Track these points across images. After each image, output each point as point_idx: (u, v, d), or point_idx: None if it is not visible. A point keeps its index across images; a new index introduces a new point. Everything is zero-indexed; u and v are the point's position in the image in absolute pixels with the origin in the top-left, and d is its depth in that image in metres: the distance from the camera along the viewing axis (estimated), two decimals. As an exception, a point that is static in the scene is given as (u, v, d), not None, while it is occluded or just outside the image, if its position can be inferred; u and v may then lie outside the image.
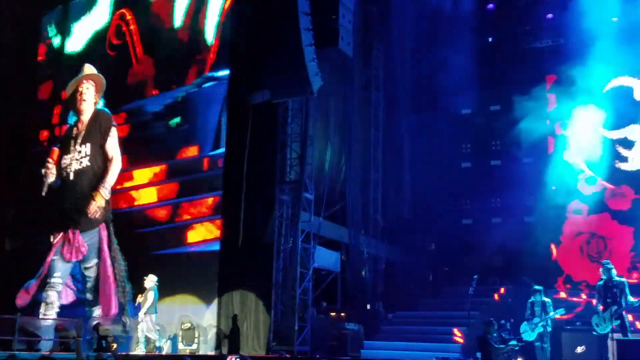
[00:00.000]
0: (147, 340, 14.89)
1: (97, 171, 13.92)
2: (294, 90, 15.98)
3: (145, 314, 14.67)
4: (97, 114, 15.40)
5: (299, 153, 16.73)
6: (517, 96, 19.58)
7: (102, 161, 13.62)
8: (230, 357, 10.97)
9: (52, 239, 11.71)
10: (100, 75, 14.86)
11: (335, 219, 18.70)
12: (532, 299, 13.38)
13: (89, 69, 14.74)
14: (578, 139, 20.03)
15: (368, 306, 19.23)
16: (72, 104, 14.79)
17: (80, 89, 14.52)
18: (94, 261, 13.85)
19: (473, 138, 22.07)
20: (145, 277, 14.96)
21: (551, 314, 13.00)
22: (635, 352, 10.32)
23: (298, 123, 16.96)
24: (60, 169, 14.03)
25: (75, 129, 14.88)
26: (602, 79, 19.71)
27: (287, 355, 14.30)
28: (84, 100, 14.54)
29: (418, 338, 16.13)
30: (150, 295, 14.75)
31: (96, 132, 14.63)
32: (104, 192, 12.32)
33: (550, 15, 20.44)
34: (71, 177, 13.94)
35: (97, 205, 12.02)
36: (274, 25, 15.57)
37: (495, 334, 12.04)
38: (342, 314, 18.72)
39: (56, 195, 14.31)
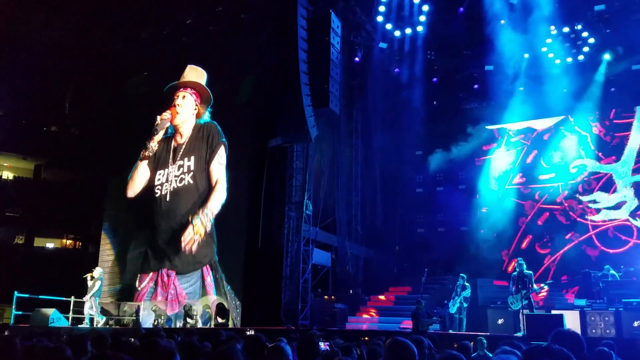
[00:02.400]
0: (91, 318, 14.35)
1: (200, 192, 9.72)
2: (298, 138, 16.06)
3: (91, 297, 14.17)
4: (203, 125, 11.24)
5: (302, 182, 16.76)
6: (454, 142, 19.82)
7: (206, 181, 9.69)
8: (248, 330, 10.69)
9: (137, 283, 7.75)
10: (204, 85, 10.91)
11: (327, 229, 18.67)
12: (458, 283, 13.50)
13: (190, 72, 10.41)
14: (497, 172, 20.38)
15: (351, 291, 19.15)
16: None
17: (175, 99, 10.27)
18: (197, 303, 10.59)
19: (424, 171, 22.21)
20: (93, 269, 14.40)
21: (467, 293, 13.16)
22: (539, 323, 10.35)
23: (301, 160, 16.98)
24: (152, 187, 10.75)
25: (173, 141, 10.75)
26: (513, 126, 20.22)
27: (293, 327, 14.19)
28: (178, 113, 10.24)
29: (386, 314, 16.07)
30: (98, 284, 14.24)
31: (202, 145, 10.33)
32: (204, 219, 8.04)
33: (476, 86, 20.75)
34: (167, 198, 9.82)
35: (195, 232, 7.56)
36: (283, 93, 15.71)
37: (422, 311, 12.00)
38: (333, 297, 18.60)
39: (146, 224, 11.21)
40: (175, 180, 11.73)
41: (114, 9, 18.75)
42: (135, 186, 13.57)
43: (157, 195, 12.50)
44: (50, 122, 24.88)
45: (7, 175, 26.76)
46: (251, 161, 16.90)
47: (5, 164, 26.93)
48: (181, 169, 11.91)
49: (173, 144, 11.79)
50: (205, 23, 17.81)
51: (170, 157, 12.10)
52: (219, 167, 11.93)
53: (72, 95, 22.05)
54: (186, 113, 12.11)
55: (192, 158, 11.83)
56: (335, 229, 18.74)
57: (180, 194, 11.74)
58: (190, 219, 8.79)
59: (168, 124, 11.81)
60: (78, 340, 4.60)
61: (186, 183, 11.75)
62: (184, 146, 11.83)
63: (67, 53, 20.47)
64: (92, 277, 14.49)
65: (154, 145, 11.41)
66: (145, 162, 12.55)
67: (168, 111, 10.89)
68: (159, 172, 12.67)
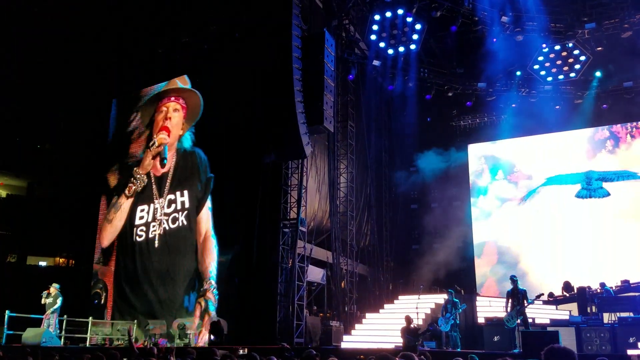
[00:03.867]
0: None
1: (194, 239, 7.56)
2: (292, 155, 16.03)
3: (52, 313, 14.02)
4: (189, 153, 8.82)
5: (297, 198, 16.67)
6: (447, 157, 19.93)
7: (195, 228, 7.54)
8: (240, 349, 10.30)
9: None
10: (197, 92, 8.52)
11: (322, 245, 18.61)
12: (448, 298, 13.39)
13: (182, 79, 7.92)
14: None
15: (346, 308, 19.03)
16: (150, 130, 8.58)
17: (164, 111, 7.94)
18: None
19: (418, 187, 22.28)
20: (49, 286, 14.09)
21: (459, 309, 13.05)
22: (535, 340, 10.31)
23: (296, 177, 16.92)
24: (131, 227, 8.41)
25: (152, 168, 8.04)
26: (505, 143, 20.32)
27: (287, 346, 14.02)
28: (170, 131, 7.85)
29: (381, 332, 15.92)
30: (59, 300, 14.07)
31: (193, 178, 8.18)
32: (212, 302, 6.47)
33: (469, 103, 20.93)
34: (156, 243, 7.84)
35: (205, 326, 5.61)
36: (277, 110, 15.70)
37: (412, 326, 11.97)
38: (328, 315, 18.49)
39: (127, 280, 8.91)
40: (167, 220, 9.28)
41: (110, 26, 18.91)
42: (114, 231, 10.92)
43: (139, 238, 9.87)
44: (44, 140, 24.87)
45: (0, 192, 26.65)
46: (245, 177, 16.86)
47: (-2, 182, 26.85)
48: (173, 205, 9.28)
49: (151, 171, 9.50)
50: (200, 41, 17.97)
51: (154, 188, 9.78)
52: (208, 215, 9.67)
53: (66, 113, 22.07)
54: (175, 131, 10.11)
55: (186, 193, 9.44)
56: (330, 246, 18.66)
57: (173, 239, 9.32)
58: (200, 313, 6.70)
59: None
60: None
61: (180, 224, 9.35)
62: (170, 175, 9.56)
63: (60, 70, 20.56)
64: (49, 294, 14.19)
65: (144, 177, 9.23)
66: (131, 200, 10.10)
67: (164, 131, 8.93)
68: (140, 207, 10.27)
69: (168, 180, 9.06)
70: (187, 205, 8.96)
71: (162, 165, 8.78)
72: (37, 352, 8.46)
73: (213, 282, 10.56)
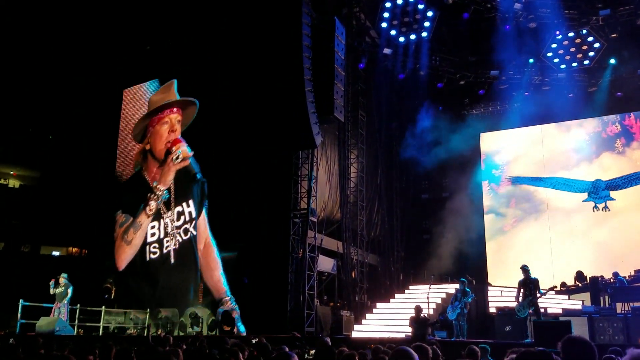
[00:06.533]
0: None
1: (197, 253, 7.35)
2: (302, 144, 16.04)
3: (66, 304, 14.10)
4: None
5: (307, 189, 16.68)
6: (459, 147, 19.80)
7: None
8: (253, 337, 10.40)
9: None
10: (195, 102, 8.66)
11: (332, 235, 18.60)
12: (459, 287, 13.34)
13: (171, 86, 8.01)
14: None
15: (357, 298, 19.08)
16: (153, 143, 8.00)
17: (167, 121, 7.82)
18: None
19: (430, 176, 22.20)
20: (58, 276, 14.12)
21: (469, 299, 12.97)
22: (546, 329, 10.28)
23: (306, 167, 16.93)
24: (143, 247, 8.01)
25: (160, 181, 7.83)
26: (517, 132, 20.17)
27: (298, 335, 14.11)
28: (180, 140, 7.63)
29: (392, 322, 15.95)
30: (70, 289, 14.08)
31: (196, 187, 8.20)
32: (239, 317, 6.12)
33: (481, 92, 20.76)
34: (171, 259, 7.71)
35: None
36: (287, 100, 15.64)
37: (422, 315, 11.99)
38: (338, 304, 18.55)
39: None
40: (178, 234, 9.13)
41: (122, 22, 18.96)
42: (133, 252, 10.55)
43: (153, 255, 9.50)
44: (58, 131, 25.04)
45: (14, 183, 26.93)
46: (255, 167, 16.88)
47: (11, 172, 27.12)
48: (182, 217, 9.16)
49: (160, 182, 9.29)
50: (211, 30, 17.90)
51: (163, 203, 9.46)
52: (205, 221, 9.53)
53: (78, 103, 22.17)
54: (183, 145, 9.69)
55: (191, 203, 9.29)
56: (340, 236, 18.67)
57: (186, 252, 9.22)
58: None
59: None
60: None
61: (191, 236, 9.39)
62: (174, 186, 9.36)
63: (72, 59, 20.66)
64: (59, 284, 14.21)
65: (165, 193, 8.87)
66: (151, 218, 9.99)
67: (182, 143, 8.62)
68: (151, 224, 10.01)
69: (172, 192, 8.92)
70: (194, 214, 8.85)
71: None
72: (51, 341, 8.52)
73: (230, 299, 10.10)
